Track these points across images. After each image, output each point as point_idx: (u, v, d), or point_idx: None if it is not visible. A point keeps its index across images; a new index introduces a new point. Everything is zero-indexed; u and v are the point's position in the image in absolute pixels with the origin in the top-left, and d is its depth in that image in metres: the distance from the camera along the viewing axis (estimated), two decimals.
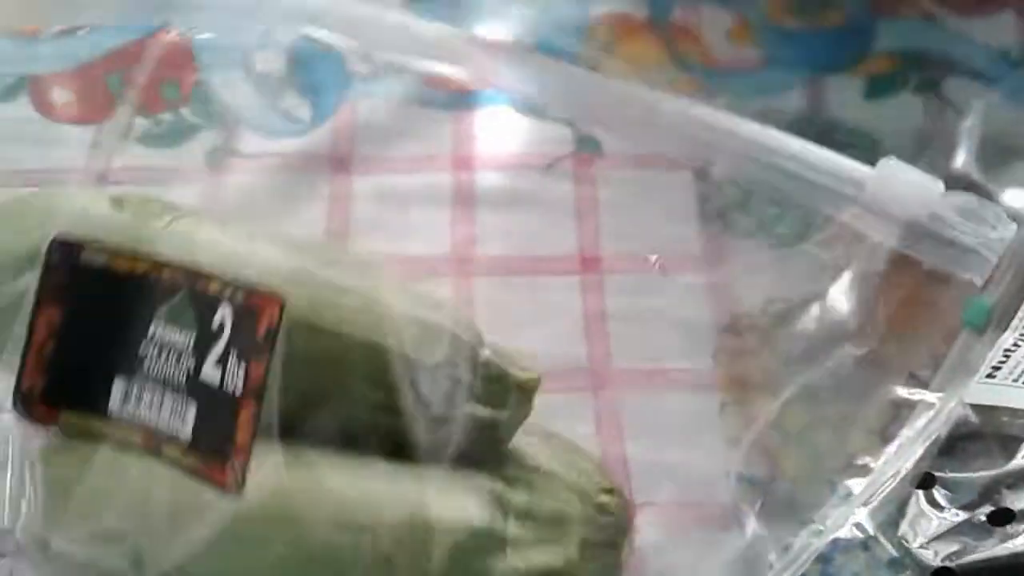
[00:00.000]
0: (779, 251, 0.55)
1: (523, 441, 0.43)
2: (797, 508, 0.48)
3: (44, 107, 0.62)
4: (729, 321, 0.53)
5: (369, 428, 0.40)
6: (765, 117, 0.54)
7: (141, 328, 0.37)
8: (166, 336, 0.36)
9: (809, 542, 0.43)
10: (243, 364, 0.35)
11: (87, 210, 0.41)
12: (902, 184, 0.45)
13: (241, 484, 0.35)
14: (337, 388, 0.39)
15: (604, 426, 0.50)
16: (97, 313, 0.37)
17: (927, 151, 0.55)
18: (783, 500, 0.49)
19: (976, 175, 0.52)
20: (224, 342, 0.35)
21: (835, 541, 0.43)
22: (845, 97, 0.60)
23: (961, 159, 0.54)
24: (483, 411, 0.41)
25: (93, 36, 0.64)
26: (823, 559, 0.45)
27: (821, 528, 0.43)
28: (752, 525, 0.48)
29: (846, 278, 0.49)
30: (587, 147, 0.60)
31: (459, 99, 0.62)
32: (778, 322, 0.53)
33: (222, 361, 0.35)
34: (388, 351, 0.39)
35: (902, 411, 0.51)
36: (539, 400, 0.43)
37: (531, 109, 0.62)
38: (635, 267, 0.56)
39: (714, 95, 0.60)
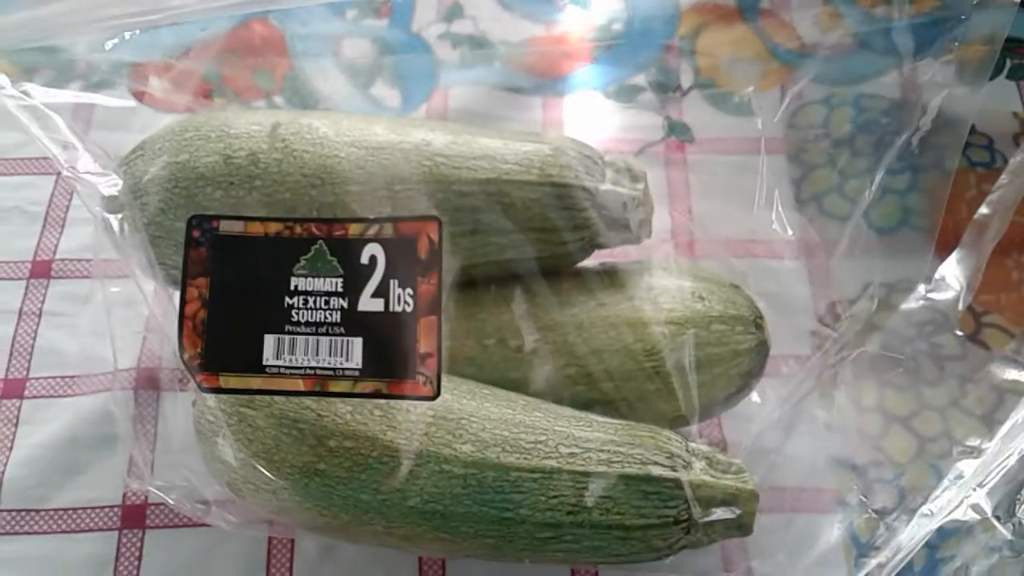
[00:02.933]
0: (878, 233, 0.54)
1: None
2: (903, 493, 0.48)
3: (142, 95, 0.63)
4: (828, 306, 0.53)
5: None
6: (860, 104, 0.53)
7: (283, 284, 0.39)
8: (309, 285, 0.39)
9: (919, 526, 0.43)
10: (408, 287, 0.38)
11: (253, 128, 0.44)
12: None
13: (437, 388, 0.38)
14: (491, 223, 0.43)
15: None
16: (240, 278, 0.39)
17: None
18: (888, 484, 0.48)
19: None
20: (380, 274, 0.38)
21: (941, 527, 0.42)
22: (940, 83, 0.60)
23: None
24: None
25: (188, 25, 0.64)
26: (930, 544, 0.45)
27: (931, 511, 0.43)
28: (857, 509, 0.47)
29: (951, 260, 0.48)
30: (678, 133, 0.60)
31: (548, 84, 0.62)
32: (880, 306, 0.53)
33: (381, 292, 0.38)
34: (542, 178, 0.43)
35: (1007, 396, 0.50)
36: None
37: (621, 95, 0.62)
38: (729, 252, 0.55)
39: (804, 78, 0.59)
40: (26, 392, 0.52)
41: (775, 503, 0.48)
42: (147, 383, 0.52)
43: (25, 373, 0.52)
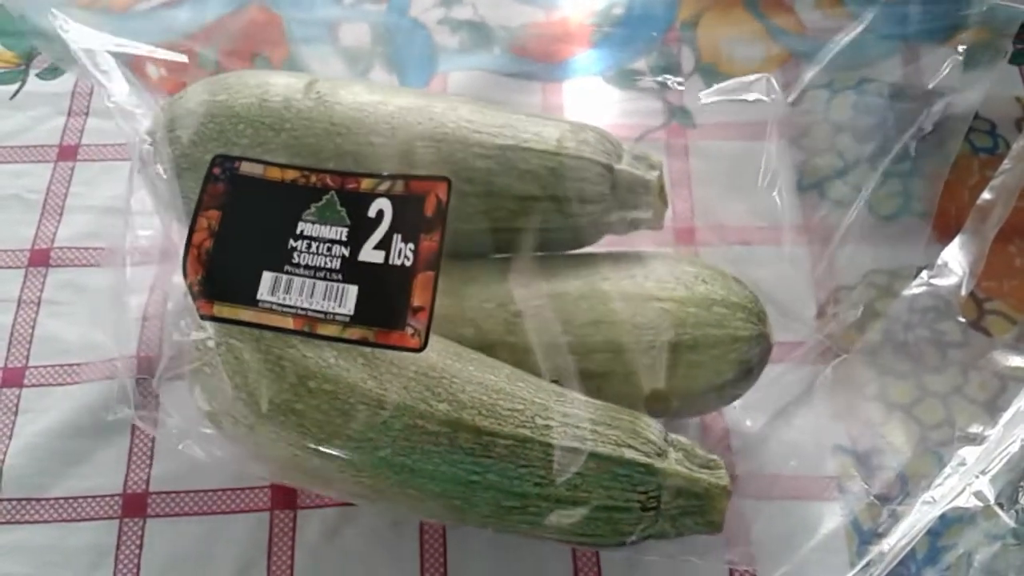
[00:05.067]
0: (880, 219, 0.54)
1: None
2: (905, 480, 0.48)
3: (139, 80, 0.63)
4: (830, 292, 0.53)
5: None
6: (862, 88, 0.53)
7: (290, 227, 0.41)
8: (315, 232, 0.41)
9: (921, 513, 0.43)
10: (411, 242, 0.40)
11: (292, 81, 0.46)
12: None
13: (424, 341, 0.39)
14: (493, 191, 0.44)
15: None
16: (250, 216, 0.41)
17: None
18: (890, 472, 0.48)
19: None
20: (385, 228, 0.40)
21: (943, 515, 0.42)
22: (942, 67, 0.59)
23: None
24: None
25: (185, 11, 0.64)
26: (933, 532, 0.45)
27: (933, 498, 0.43)
28: (859, 497, 0.47)
29: (953, 246, 0.48)
30: (679, 118, 0.60)
31: (548, 69, 0.62)
32: (881, 292, 0.53)
33: (383, 245, 0.40)
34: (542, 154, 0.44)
35: (1009, 383, 0.50)
36: None
37: (621, 80, 0.61)
38: (730, 238, 0.55)
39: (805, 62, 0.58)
40: (25, 381, 0.51)
41: (777, 490, 0.48)
42: (147, 370, 0.52)
43: (24, 361, 0.52)
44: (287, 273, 0.40)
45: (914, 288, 0.48)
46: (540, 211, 0.45)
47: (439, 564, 0.47)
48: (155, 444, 0.50)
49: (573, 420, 0.40)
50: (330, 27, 0.64)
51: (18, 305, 0.54)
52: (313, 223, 0.41)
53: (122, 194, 0.57)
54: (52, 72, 0.63)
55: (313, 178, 0.41)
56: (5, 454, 0.49)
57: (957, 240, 0.48)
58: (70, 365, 0.52)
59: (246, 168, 0.42)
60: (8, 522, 0.47)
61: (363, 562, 0.47)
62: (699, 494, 0.40)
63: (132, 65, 0.62)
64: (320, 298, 0.40)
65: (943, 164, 0.51)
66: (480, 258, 0.46)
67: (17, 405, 0.51)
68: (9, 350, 0.53)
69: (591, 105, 0.61)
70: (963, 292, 0.47)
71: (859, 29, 0.57)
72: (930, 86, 0.55)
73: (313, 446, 0.39)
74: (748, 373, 0.45)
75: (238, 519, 0.48)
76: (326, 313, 0.39)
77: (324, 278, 0.40)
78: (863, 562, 0.42)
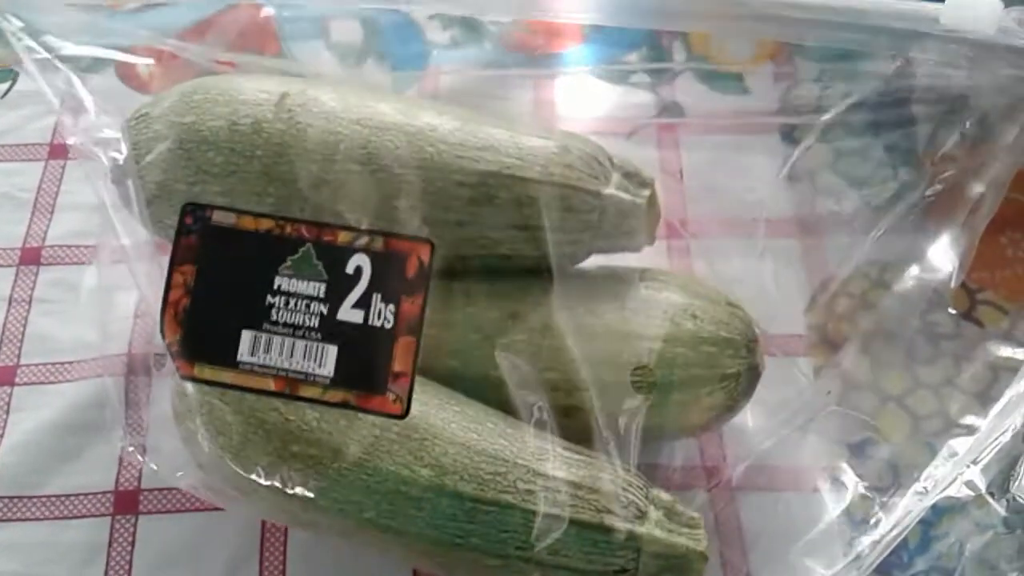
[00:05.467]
0: (871, 211, 0.54)
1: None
2: (898, 470, 0.48)
3: (129, 78, 0.63)
4: (822, 283, 0.53)
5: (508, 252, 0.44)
6: (854, 80, 0.53)
7: (266, 282, 0.39)
8: (292, 287, 0.39)
9: (913, 503, 0.43)
10: (391, 303, 0.38)
11: (261, 96, 0.44)
12: (969, 9, 0.45)
13: (406, 409, 0.38)
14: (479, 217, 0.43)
15: None
16: (225, 270, 0.39)
17: None
18: (882, 462, 0.48)
19: None
20: (364, 286, 0.39)
21: (935, 504, 0.42)
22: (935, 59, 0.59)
23: None
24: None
25: (175, 8, 0.64)
26: (925, 521, 0.45)
27: (925, 488, 0.43)
28: (851, 488, 0.47)
29: (944, 237, 0.48)
30: (670, 112, 0.60)
31: (539, 64, 0.62)
32: (873, 284, 0.53)
33: (363, 303, 0.38)
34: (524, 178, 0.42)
35: (1001, 373, 0.50)
36: None
37: (612, 74, 0.61)
38: (722, 231, 0.55)
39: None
40: (17, 379, 0.51)
41: (769, 482, 0.48)
42: (139, 368, 0.52)
43: (16, 360, 0.52)
44: (266, 332, 0.39)
45: (905, 280, 0.48)
46: (523, 240, 0.43)
47: None
48: (147, 441, 0.50)
49: (554, 485, 0.40)
50: (321, 23, 0.64)
51: (9, 304, 0.54)
52: (289, 278, 0.39)
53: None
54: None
55: (288, 228, 0.39)
56: None
57: (948, 232, 0.48)
58: (62, 363, 0.52)
59: (218, 217, 0.40)
60: (0, 520, 0.47)
61: (355, 559, 0.46)
62: (677, 558, 0.40)
63: (121, 62, 0.62)
64: (300, 358, 0.39)
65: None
66: (464, 282, 0.45)
67: (9, 404, 0.51)
68: (0, 349, 0.52)
69: (582, 99, 0.61)
70: (954, 283, 0.47)
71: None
72: (920, 75, 0.55)
73: (299, 505, 0.40)
74: (736, 404, 0.45)
75: (231, 516, 0.47)
76: (307, 374, 0.38)
77: (303, 336, 0.39)
78: (855, 552, 0.42)
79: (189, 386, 0.40)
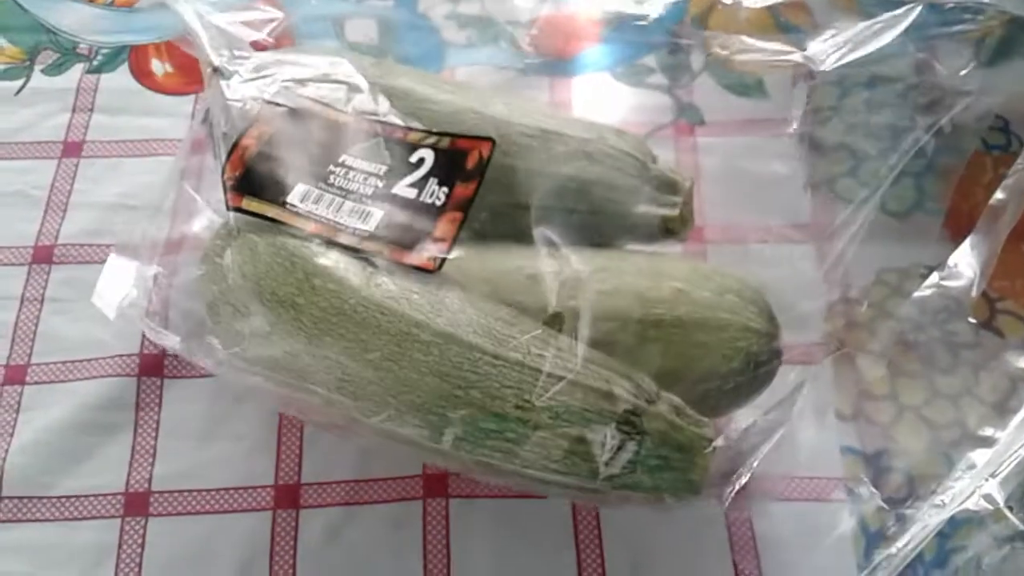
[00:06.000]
0: (891, 217, 0.54)
1: None
2: (914, 482, 0.47)
3: (144, 77, 0.63)
4: (841, 291, 0.52)
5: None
6: (875, 85, 0.52)
7: (333, 156, 0.44)
8: (355, 164, 0.44)
9: (929, 516, 0.42)
10: (445, 186, 0.42)
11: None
12: None
13: (440, 265, 0.41)
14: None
15: None
16: (299, 140, 0.44)
17: None
18: (899, 474, 0.48)
19: None
20: (423, 172, 0.43)
21: (952, 517, 0.42)
22: (958, 64, 0.58)
23: None
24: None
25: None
26: (941, 534, 0.44)
27: (943, 501, 0.42)
28: (867, 499, 0.47)
29: (965, 246, 0.47)
30: (688, 115, 0.59)
31: (556, 65, 0.61)
32: (892, 292, 0.52)
33: (418, 185, 0.43)
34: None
35: (1020, 384, 0.49)
36: None
37: (630, 76, 0.61)
38: (738, 236, 0.54)
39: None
40: (28, 378, 0.51)
41: (784, 491, 0.48)
42: (151, 369, 0.51)
43: (27, 359, 0.52)
44: (320, 189, 0.43)
45: (925, 288, 0.47)
46: (573, 190, 0.45)
47: (443, 564, 0.46)
48: (158, 443, 0.50)
49: (567, 355, 0.39)
50: (337, 22, 0.64)
51: (21, 302, 0.54)
52: (355, 157, 0.44)
53: (125, 191, 0.57)
54: (57, 68, 0.63)
55: (365, 124, 0.44)
56: (7, 452, 0.49)
57: (969, 239, 0.47)
58: (73, 362, 0.52)
59: (305, 104, 0.45)
60: (10, 520, 0.47)
61: (365, 563, 0.46)
62: (682, 445, 0.39)
63: (135, 61, 0.62)
64: (346, 214, 0.42)
65: (957, 162, 0.50)
66: (503, 238, 0.45)
67: (19, 403, 0.51)
68: (12, 348, 0.52)
69: (600, 101, 0.60)
70: (974, 292, 0.47)
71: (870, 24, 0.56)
72: (946, 84, 0.55)
73: (303, 343, 0.40)
74: (754, 369, 0.44)
75: (240, 518, 0.47)
76: (348, 227, 0.42)
77: (355, 200, 0.42)
78: (871, 565, 0.42)
79: (232, 221, 0.43)
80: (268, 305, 0.40)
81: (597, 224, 0.46)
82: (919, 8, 0.50)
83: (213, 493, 0.48)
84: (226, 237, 0.43)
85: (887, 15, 0.50)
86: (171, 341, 0.44)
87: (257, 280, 0.41)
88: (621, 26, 0.62)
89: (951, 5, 0.49)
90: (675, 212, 0.46)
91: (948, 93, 0.56)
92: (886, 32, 0.50)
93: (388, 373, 0.39)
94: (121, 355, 0.51)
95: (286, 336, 0.40)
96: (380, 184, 0.43)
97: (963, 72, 0.54)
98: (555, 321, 0.42)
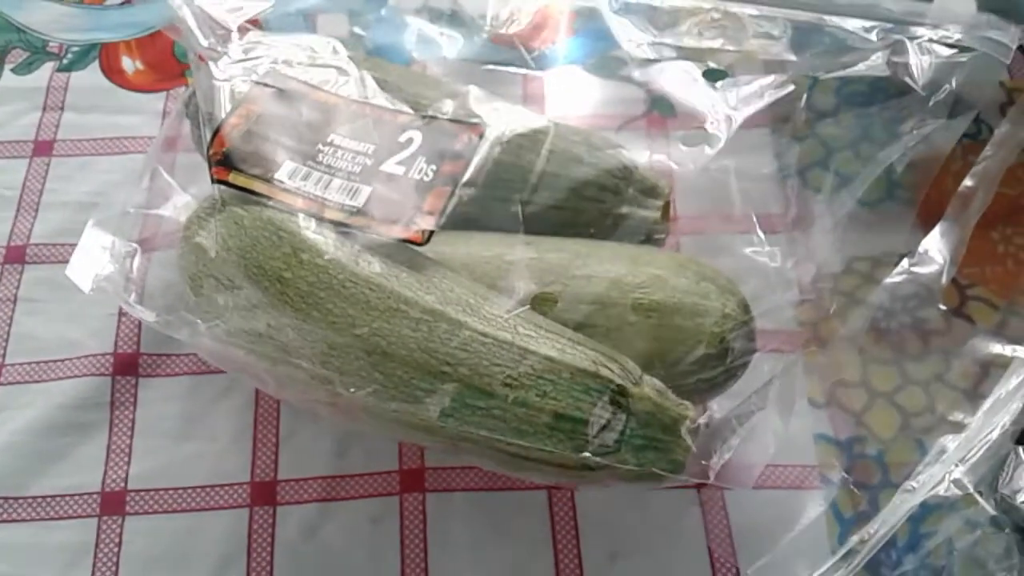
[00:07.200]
0: (862, 206, 0.54)
1: None
2: (887, 468, 0.48)
3: (114, 75, 0.62)
4: (812, 279, 0.52)
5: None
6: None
7: (322, 135, 0.44)
8: (344, 143, 0.44)
9: (901, 501, 0.42)
10: (434, 164, 0.43)
11: None
12: None
13: (428, 238, 0.41)
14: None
15: None
16: (289, 120, 0.44)
17: None
18: (871, 460, 0.48)
19: None
20: (411, 151, 0.44)
21: (924, 502, 0.42)
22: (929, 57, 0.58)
23: None
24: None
25: (159, 4, 0.63)
26: (914, 519, 0.45)
27: (914, 486, 0.42)
28: (840, 485, 0.47)
29: (935, 233, 0.48)
30: (660, 108, 0.59)
31: (528, 58, 0.61)
32: (863, 280, 0.52)
33: (407, 162, 0.43)
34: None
35: (991, 369, 0.50)
36: None
37: (602, 69, 0.61)
38: (711, 227, 0.55)
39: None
40: (2, 379, 0.51)
41: (758, 479, 0.48)
42: (125, 368, 0.51)
43: (1, 360, 0.52)
44: (308, 167, 0.43)
45: (895, 275, 0.48)
46: (555, 188, 0.46)
47: (420, 558, 0.46)
48: (133, 442, 0.49)
49: (554, 335, 0.40)
50: (307, 17, 0.63)
51: None
52: (344, 136, 0.44)
53: (97, 190, 0.57)
54: (27, 67, 0.63)
55: (354, 106, 0.45)
56: None
57: (938, 227, 0.48)
58: (47, 362, 0.52)
59: (294, 85, 0.46)
60: None
61: (343, 558, 0.46)
62: (667, 425, 0.39)
63: (106, 59, 0.62)
64: (334, 191, 0.42)
65: (933, 153, 0.50)
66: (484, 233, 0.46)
67: None
68: None
69: (572, 94, 0.60)
70: (944, 279, 0.47)
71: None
72: (913, 72, 0.54)
73: (289, 318, 0.39)
74: (730, 356, 0.44)
75: (217, 516, 0.47)
76: (336, 203, 0.42)
77: (343, 177, 0.43)
78: (844, 549, 0.42)
79: (216, 193, 0.43)
80: (253, 278, 0.40)
81: (580, 223, 0.47)
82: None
83: (189, 491, 0.48)
84: (210, 210, 0.43)
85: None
86: (147, 315, 0.43)
87: (242, 253, 0.41)
88: (593, 18, 0.62)
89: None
90: (657, 215, 0.48)
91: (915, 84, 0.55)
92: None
93: (376, 348, 0.39)
94: (95, 354, 0.51)
95: (271, 309, 0.40)
96: (368, 162, 0.43)
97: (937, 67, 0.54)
98: (537, 304, 0.42)
